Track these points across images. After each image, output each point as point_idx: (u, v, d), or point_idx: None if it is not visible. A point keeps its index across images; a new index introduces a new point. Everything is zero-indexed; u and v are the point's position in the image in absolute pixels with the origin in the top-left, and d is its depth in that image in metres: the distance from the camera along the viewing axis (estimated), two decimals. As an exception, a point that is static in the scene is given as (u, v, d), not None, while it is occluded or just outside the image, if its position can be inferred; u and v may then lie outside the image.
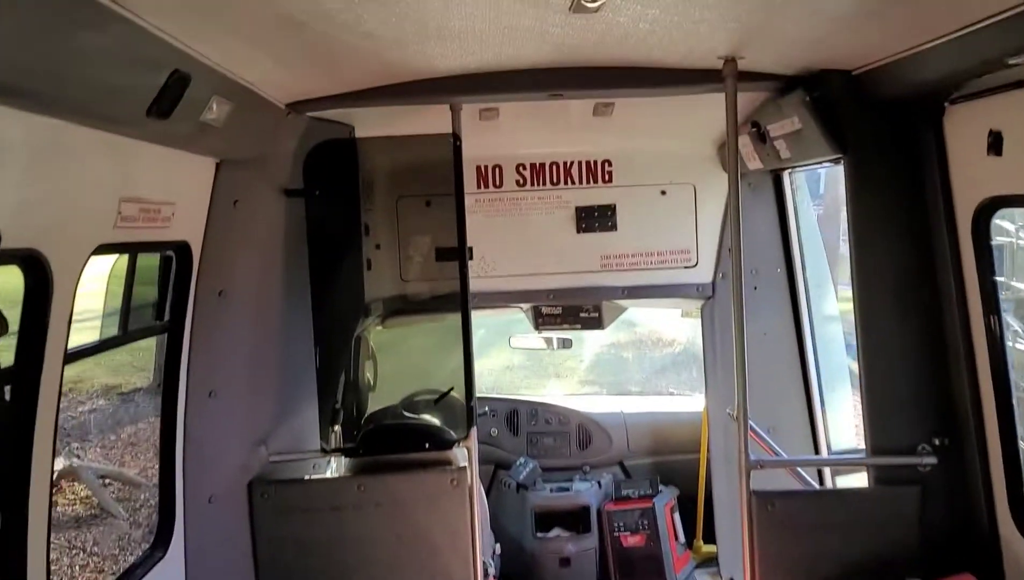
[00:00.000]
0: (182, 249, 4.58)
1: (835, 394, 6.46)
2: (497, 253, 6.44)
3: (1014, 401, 4.11)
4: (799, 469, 5.28)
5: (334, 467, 5.90)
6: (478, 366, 5.54)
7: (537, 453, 8.06)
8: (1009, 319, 4.22)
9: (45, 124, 2.97)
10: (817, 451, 6.25)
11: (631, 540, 7.51)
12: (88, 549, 10.59)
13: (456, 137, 5.06)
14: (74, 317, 3.42)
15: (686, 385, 16.05)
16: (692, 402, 8.64)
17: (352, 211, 5.63)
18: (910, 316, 4.39)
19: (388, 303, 6.16)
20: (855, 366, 6.72)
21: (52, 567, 3.52)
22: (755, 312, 5.38)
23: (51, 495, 3.45)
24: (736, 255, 4.49)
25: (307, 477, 5.46)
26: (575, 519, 7.59)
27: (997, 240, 4.20)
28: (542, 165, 6.44)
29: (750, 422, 4.51)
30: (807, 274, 6.34)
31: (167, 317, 4.64)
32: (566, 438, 8.10)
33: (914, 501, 4.40)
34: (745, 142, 5.48)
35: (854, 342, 4.54)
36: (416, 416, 5.80)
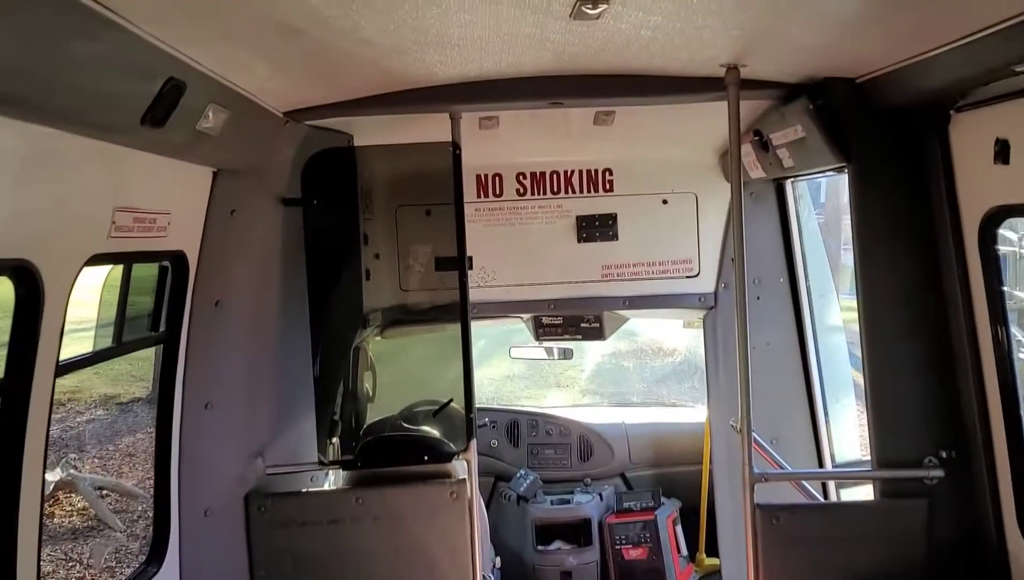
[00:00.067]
0: (178, 259, 4.53)
1: (839, 405, 6.40)
2: (497, 263, 6.39)
3: (1022, 413, 4.04)
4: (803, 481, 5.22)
5: (332, 480, 5.85)
6: (478, 375, 5.49)
7: (538, 465, 8.01)
8: (1014, 329, 4.15)
9: (37, 132, 2.93)
10: (821, 463, 6.19)
11: (633, 553, 7.45)
12: (84, 561, 10.51)
13: (456, 146, 5.02)
14: (71, 327, 3.36)
15: (687, 395, 16.02)
16: (694, 413, 8.59)
17: (351, 220, 5.59)
18: (916, 327, 4.33)
19: (387, 313, 6.11)
20: (858, 376, 6.71)
21: (48, 580, 3.47)
22: (758, 322, 5.33)
23: (42, 509, 3.39)
24: (739, 265, 4.44)
25: (304, 490, 5.40)
26: (576, 532, 7.54)
27: (999, 249, 4.16)
28: (542, 174, 6.39)
29: (753, 434, 4.45)
30: (810, 284, 6.29)
31: (163, 328, 4.58)
32: (567, 450, 8.05)
33: (921, 515, 4.34)
34: (747, 151, 5.44)
35: (857, 352, 4.49)
36: (415, 428, 5.74)
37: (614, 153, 6.30)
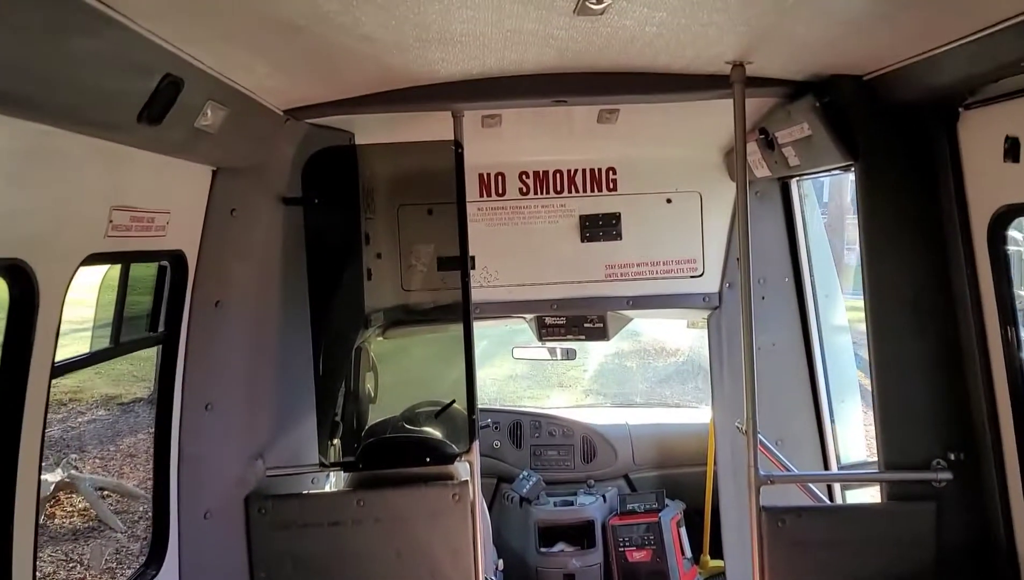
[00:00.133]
0: (177, 259, 4.49)
1: (844, 406, 6.36)
2: (500, 262, 6.35)
3: (1032, 414, 4.00)
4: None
5: (333, 482, 5.82)
6: (480, 376, 5.46)
7: (541, 466, 7.97)
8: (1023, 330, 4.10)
9: (31, 129, 2.88)
10: (826, 464, 6.14)
11: (636, 555, 7.40)
12: (85, 562, 10.49)
13: (458, 144, 4.98)
14: (74, 327, 3.32)
15: (691, 396, 15.99)
16: (698, 414, 8.55)
17: (352, 220, 5.55)
18: (924, 327, 4.28)
19: (389, 313, 6.08)
20: (863, 377, 6.66)
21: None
22: (763, 322, 5.29)
23: (38, 512, 3.35)
24: (744, 264, 4.39)
25: (305, 492, 5.37)
26: (579, 534, 7.50)
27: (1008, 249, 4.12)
28: (545, 173, 6.35)
29: (759, 435, 4.41)
30: (815, 284, 6.24)
31: (162, 328, 4.55)
32: (570, 451, 8.01)
33: (929, 518, 4.30)
34: (753, 149, 5.40)
35: (861, 353, 4.44)
36: (417, 429, 5.72)
37: (618, 152, 6.26)
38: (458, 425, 5.38)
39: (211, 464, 4.78)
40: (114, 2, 2.56)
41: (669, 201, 6.37)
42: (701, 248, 6.39)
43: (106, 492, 11.76)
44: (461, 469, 5.15)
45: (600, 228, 6.34)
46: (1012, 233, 3.99)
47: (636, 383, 18.13)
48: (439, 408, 5.78)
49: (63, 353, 3.48)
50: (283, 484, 5.09)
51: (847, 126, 4.30)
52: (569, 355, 8.09)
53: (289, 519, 4.88)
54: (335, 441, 5.51)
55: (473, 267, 5.99)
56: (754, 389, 4.37)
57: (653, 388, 17.59)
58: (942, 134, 4.09)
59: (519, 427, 8.10)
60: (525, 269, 6.37)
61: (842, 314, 6.45)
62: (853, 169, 4.44)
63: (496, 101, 4.69)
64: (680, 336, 18.61)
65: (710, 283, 6.42)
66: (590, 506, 7.56)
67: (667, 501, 7.60)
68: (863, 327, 4.48)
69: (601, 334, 6.92)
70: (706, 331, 6.75)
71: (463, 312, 5.06)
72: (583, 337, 6.98)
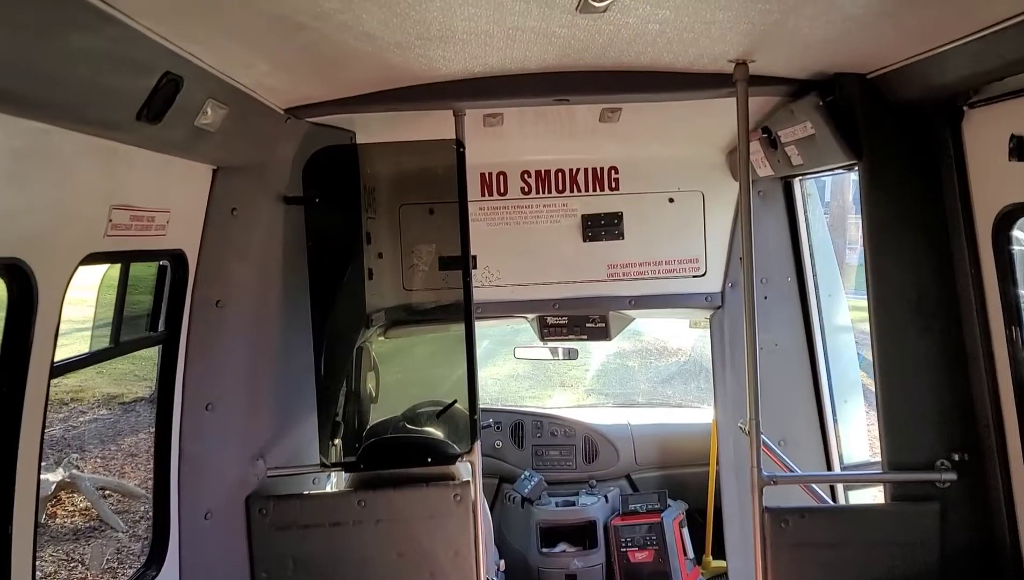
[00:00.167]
0: (178, 258, 4.47)
1: (847, 406, 6.33)
2: (501, 262, 6.33)
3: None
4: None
5: (334, 482, 5.80)
6: (481, 375, 5.44)
7: (542, 466, 7.95)
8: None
9: (30, 128, 2.87)
10: (829, 464, 6.12)
11: (639, 556, 7.38)
12: (86, 562, 10.47)
13: (459, 143, 4.96)
14: (76, 327, 3.31)
15: (693, 396, 15.97)
16: (700, 414, 8.52)
17: (353, 219, 5.54)
18: (928, 327, 4.26)
19: (390, 313, 6.07)
20: (865, 377, 6.63)
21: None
22: (765, 322, 5.26)
23: (37, 512, 3.33)
24: (748, 264, 4.37)
25: (306, 492, 5.35)
26: (581, 534, 7.48)
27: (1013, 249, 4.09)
28: (547, 172, 6.33)
29: (762, 435, 4.39)
30: (818, 283, 6.22)
31: (162, 328, 4.53)
32: (572, 451, 7.99)
33: (933, 519, 4.27)
34: (755, 148, 5.37)
35: (863, 353, 4.42)
36: (418, 429, 5.70)
37: (620, 151, 6.24)
38: (459, 425, 5.36)
39: (212, 464, 4.76)
40: None
41: (671, 200, 6.35)
42: (703, 248, 6.37)
43: (107, 492, 11.75)
44: (463, 469, 5.14)
45: (602, 227, 6.32)
46: (1017, 233, 3.97)
47: (638, 383, 18.13)
48: (440, 408, 5.76)
49: (64, 352, 3.47)
50: (284, 484, 5.07)
51: (851, 125, 4.28)
52: (571, 355, 8.07)
53: (290, 520, 4.86)
54: (336, 441, 5.49)
55: (475, 267, 5.97)
56: (757, 389, 4.35)
57: (655, 388, 17.59)
58: (946, 133, 4.07)
59: (521, 427, 8.08)
60: (527, 269, 6.35)
61: (845, 314, 6.42)
62: (856, 168, 4.41)
63: (498, 100, 4.67)
64: (682, 335, 18.61)
65: (712, 283, 6.40)
66: (592, 506, 7.54)
67: (669, 501, 7.57)
68: (865, 327, 4.46)
69: (603, 334, 6.89)
70: (708, 331, 6.73)
71: (464, 312, 5.04)
72: (585, 337, 6.95)
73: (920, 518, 4.29)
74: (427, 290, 5.96)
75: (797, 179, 6.01)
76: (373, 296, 5.76)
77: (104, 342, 4.16)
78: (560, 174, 6.33)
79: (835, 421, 6.20)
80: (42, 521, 10.84)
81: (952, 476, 4.22)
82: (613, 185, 6.34)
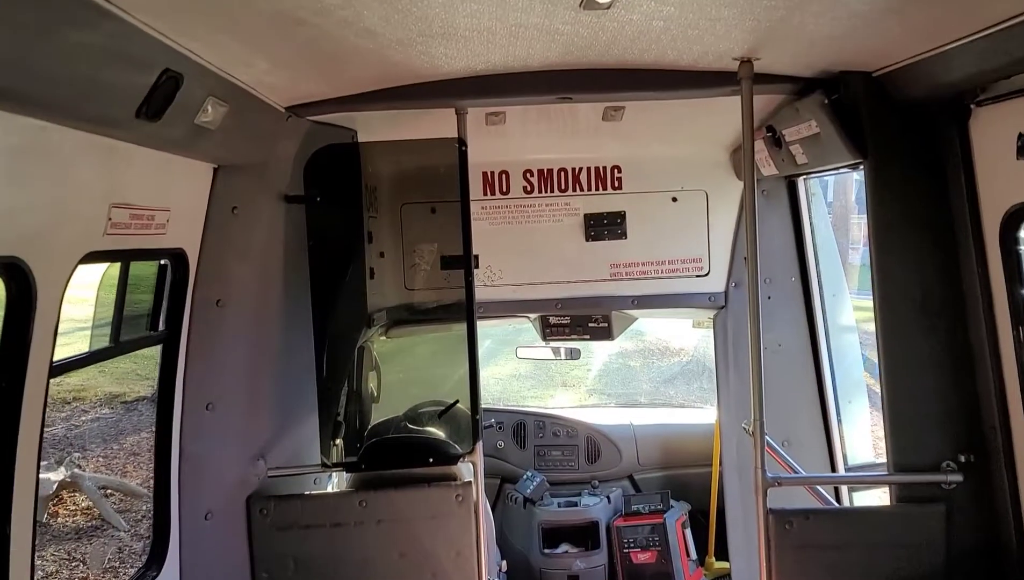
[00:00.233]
0: (178, 257, 4.45)
1: (851, 406, 6.30)
2: (504, 261, 6.31)
3: (1043, 416, 3.94)
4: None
5: (335, 482, 5.78)
6: (483, 375, 5.42)
7: (544, 466, 7.93)
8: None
9: (28, 125, 2.84)
10: (833, 465, 6.09)
11: (641, 557, 7.36)
12: (88, 561, 10.47)
13: (462, 142, 4.93)
14: (77, 326, 3.29)
15: (695, 396, 15.94)
16: (703, 414, 8.49)
17: (354, 218, 5.52)
18: (934, 327, 4.22)
19: (392, 313, 6.05)
20: (869, 378, 6.60)
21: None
22: (769, 322, 5.23)
23: (35, 512, 3.31)
24: (752, 264, 4.34)
25: (307, 492, 5.33)
26: (583, 535, 7.47)
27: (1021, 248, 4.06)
28: (550, 171, 6.30)
29: (766, 436, 4.36)
30: (822, 283, 6.19)
31: (162, 327, 4.51)
32: (574, 451, 7.96)
33: (938, 520, 4.24)
34: (760, 147, 5.34)
35: (867, 353, 4.39)
36: (420, 429, 5.68)
37: (623, 150, 6.21)
38: (461, 425, 5.34)
39: (212, 464, 4.73)
40: None
41: (674, 200, 6.31)
42: (707, 247, 6.34)
43: (109, 491, 11.76)
44: (464, 470, 5.12)
45: (605, 227, 6.29)
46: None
47: (640, 383, 18.11)
48: (442, 408, 5.74)
49: (65, 351, 3.45)
50: (285, 485, 5.05)
51: (856, 123, 4.24)
52: (573, 355, 8.05)
53: (291, 520, 4.84)
54: (337, 441, 5.47)
55: (477, 266, 5.94)
56: (761, 390, 4.31)
57: (658, 388, 17.57)
58: (953, 131, 4.03)
59: (523, 427, 8.06)
60: (529, 268, 6.32)
61: (849, 314, 6.39)
62: (862, 167, 4.38)
63: (500, 98, 4.65)
64: (684, 335, 18.59)
65: (716, 282, 6.37)
66: (594, 507, 7.52)
67: (672, 502, 7.55)
68: (868, 327, 4.42)
69: (605, 334, 6.87)
70: (711, 331, 6.70)
71: (466, 311, 5.02)
72: (587, 337, 6.92)
73: (925, 520, 4.26)
74: (429, 289, 5.94)
75: (801, 178, 5.98)
76: (375, 295, 5.74)
77: (104, 341, 4.14)
78: (563, 173, 6.30)
79: (839, 422, 6.17)
80: (44, 520, 10.84)
81: (958, 478, 4.19)
82: (616, 184, 6.31)
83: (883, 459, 4.45)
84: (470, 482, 4.98)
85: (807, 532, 4.34)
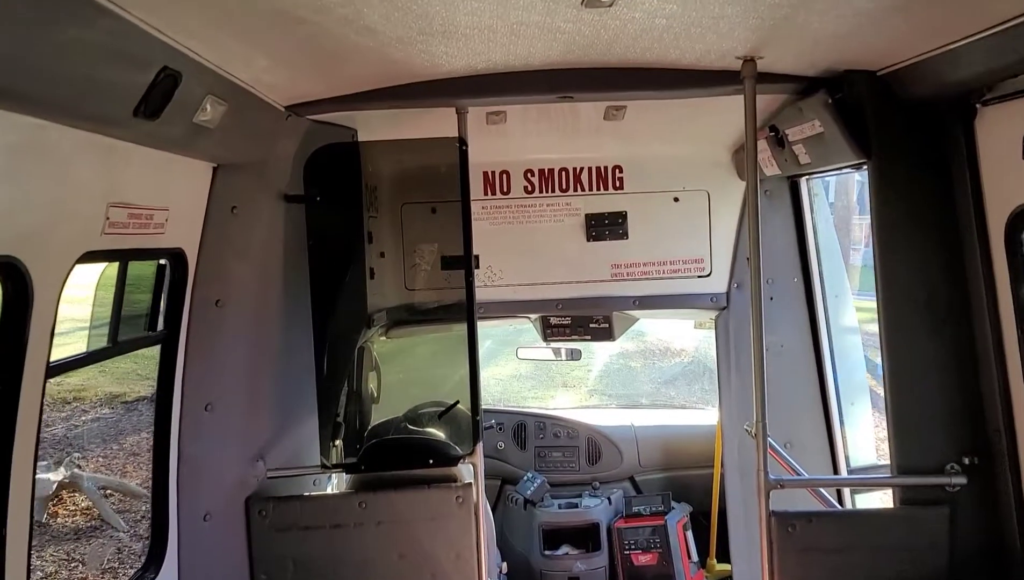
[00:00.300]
0: (177, 257, 4.43)
1: (854, 408, 6.27)
2: (504, 262, 6.28)
3: (1049, 419, 3.91)
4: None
5: (335, 483, 5.76)
6: (484, 375, 5.40)
7: (545, 468, 7.91)
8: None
9: (25, 123, 2.82)
10: (835, 467, 6.06)
11: (642, 558, 7.33)
12: (87, 562, 10.45)
13: (462, 141, 4.91)
14: (77, 326, 3.26)
15: (697, 397, 15.92)
16: (705, 415, 8.46)
17: (354, 218, 5.50)
18: (938, 328, 4.19)
19: (392, 313, 6.03)
20: (871, 380, 6.57)
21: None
22: (771, 323, 5.21)
23: (32, 513, 3.28)
24: (754, 264, 4.31)
25: (307, 494, 5.31)
26: (584, 536, 7.44)
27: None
28: (551, 171, 6.28)
29: (768, 438, 4.33)
30: (825, 284, 6.16)
31: (161, 327, 4.48)
32: (575, 452, 7.94)
33: (942, 523, 4.21)
34: (762, 147, 5.31)
35: (869, 355, 4.36)
36: (420, 430, 5.66)
37: (624, 150, 6.18)
38: (462, 426, 5.32)
39: (211, 465, 4.71)
40: None
41: (676, 200, 6.29)
42: (709, 248, 6.31)
43: (109, 491, 11.74)
44: (464, 471, 5.10)
45: (606, 227, 6.27)
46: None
47: (641, 384, 18.09)
48: (442, 409, 5.72)
49: (63, 351, 3.42)
50: (284, 486, 5.03)
51: (860, 123, 4.21)
52: (574, 355, 8.03)
53: (290, 521, 4.82)
54: (337, 442, 5.45)
55: (477, 266, 5.92)
56: (763, 391, 4.29)
57: (659, 389, 17.55)
58: (958, 131, 4.00)
59: (523, 428, 8.04)
60: (530, 268, 6.30)
61: (852, 315, 6.36)
62: (866, 167, 4.35)
63: (501, 97, 4.62)
64: (686, 336, 18.56)
65: (718, 283, 6.34)
66: (595, 508, 7.50)
67: (673, 504, 7.52)
68: (870, 328, 4.39)
69: (607, 334, 6.84)
70: (713, 332, 6.67)
71: (467, 312, 5.00)
72: (588, 337, 6.90)
73: (929, 522, 4.23)
74: (429, 290, 5.92)
75: (804, 178, 5.95)
76: (375, 296, 5.72)
77: (102, 342, 4.12)
78: (564, 173, 6.27)
79: (842, 423, 6.14)
80: (43, 520, 10.83)
81: (962, 480, 4.16)
82: (617, 184, 6.28)
83: (886, 461, 4.41)
84: (470, 483, 4.95)
85: (810, 535, 4.31)
